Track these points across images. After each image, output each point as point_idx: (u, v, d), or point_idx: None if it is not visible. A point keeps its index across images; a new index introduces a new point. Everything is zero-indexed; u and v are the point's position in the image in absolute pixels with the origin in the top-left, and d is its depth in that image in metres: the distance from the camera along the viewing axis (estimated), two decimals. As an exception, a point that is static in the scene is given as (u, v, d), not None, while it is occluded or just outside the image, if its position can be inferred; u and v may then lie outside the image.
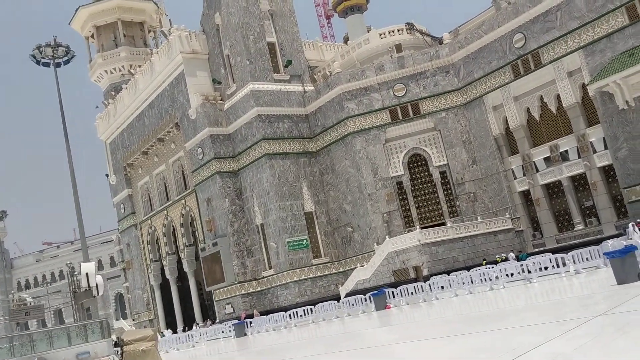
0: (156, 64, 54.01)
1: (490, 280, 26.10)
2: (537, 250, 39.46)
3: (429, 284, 27.98)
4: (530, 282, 24.11)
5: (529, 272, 25.10)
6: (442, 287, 27.90)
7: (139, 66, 60.24)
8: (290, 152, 46.94)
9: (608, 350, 7.22)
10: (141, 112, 58.24)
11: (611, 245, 22.07)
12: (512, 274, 26.21)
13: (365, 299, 29.50)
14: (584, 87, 37.35)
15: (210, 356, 26.27)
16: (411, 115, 44.90)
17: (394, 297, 28.70)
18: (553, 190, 40.95)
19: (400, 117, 44.98)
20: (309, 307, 32.48)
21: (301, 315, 32.15)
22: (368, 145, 44.84)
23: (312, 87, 48.64)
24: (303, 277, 44.72)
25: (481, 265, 34.68)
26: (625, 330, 8.27)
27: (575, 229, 39.39)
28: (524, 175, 41.62)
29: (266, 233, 46.25)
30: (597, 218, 38.35)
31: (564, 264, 24.11)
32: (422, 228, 41.35)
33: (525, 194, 42.19)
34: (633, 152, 34.57)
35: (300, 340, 23.14)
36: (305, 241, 45.43)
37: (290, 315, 32.49)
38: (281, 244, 44.74)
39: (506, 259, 35.67)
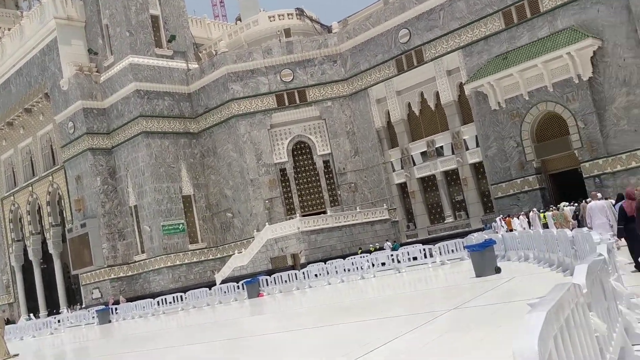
0: (27, 28, 49.60)
1: (362, 269, 26.42)
2: (410, 240, 40.81)
3: (303, 272, 27.87)
4: (399, 272, 24.66)
5: (399, 262, 25.69)
6: (316, 275, 27.88)
7: (8, 29, 55.16)
8: (170, 132, 45.01)
9: (453, 346, 7.09)
10: (7, 79, 53.38)
11: (475, 238, 23.02)
12: (383, 263, 26.69)
13: (238, 286, 28.84)
14: (461, 86, 38.93)
15: (66, 345, 24.39)
16: (297, 102, 44.62)
17: (267, 285, 28.28)
18: (428, 183, 42.50)
19: (287, 103, 44.57)
20: (179, 294, 31.25)
21: (170, 302, 30.86)
22: (252, 130, 44.02)
23: (197, 65, 46.89)
24: (178, 262, 43.20)
25: (357, 254, 35.24)
26: (473, 326, 8.26)
27: (445, 222, 41.18)
28: (402, 168, 42.82)
29: (140, 215, 44.11)
30: (466, 212, 40.32)
31: (431, 255, 24.90)
32: (304, 216, 41.36)
33: (402, 186, 43.46)
34: (501, 152, 36.57)
35: (165, 329, 22.05)
36: (181, 225, 43.87)
37: (158, 302, 31.08)
38: (156, 227, 42.86)
39: (382, 248, 36.50)
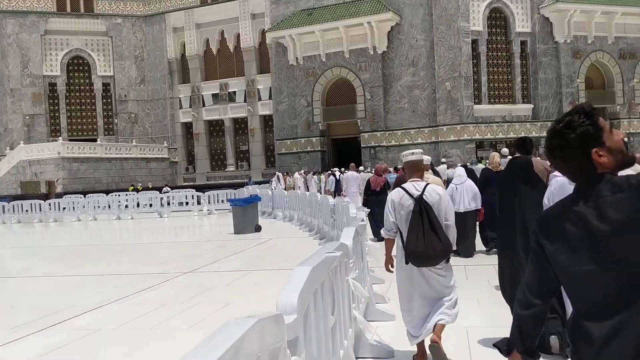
0: None
1: (120, 208, 23.90)
2: (187, 184, 38.86)
3: (49, 204, 24.39)
4: (161, 217, 22.73)
5: (162, 205, 23.72)
6: (67, 209, 24.60)
7: None
8: None
9: (147, 335, 5.56)
10: None
11: (247, 191, 22.02)
12: (145, 205, 24.44)
13: (-32, 210, 24.32)
14: (263, 33, 37.46)
15: None
16: (82, 10, 39.23)
17: (4, 212, 24.23)
18: (215, 127, 40.72)
19: (68, 10, 38.94)
20: None
21: None
22: (22, 32, 37.69)
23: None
24: None
25: (128, 190, 32.31)
26: (196, 302, 6.83)
27: (227, 170, 39.97)
28: (190, 107, 40.38)
29: None
30: (249, 163, 39.51)
31: (199, 203, 23.37)
32: (71, 140, 36.83)
33: (188, 126, 41.10)
34: (291, 108, 36.13)
35: None
36: None
37: None
38: None
39: (159, 190, 33.90)
